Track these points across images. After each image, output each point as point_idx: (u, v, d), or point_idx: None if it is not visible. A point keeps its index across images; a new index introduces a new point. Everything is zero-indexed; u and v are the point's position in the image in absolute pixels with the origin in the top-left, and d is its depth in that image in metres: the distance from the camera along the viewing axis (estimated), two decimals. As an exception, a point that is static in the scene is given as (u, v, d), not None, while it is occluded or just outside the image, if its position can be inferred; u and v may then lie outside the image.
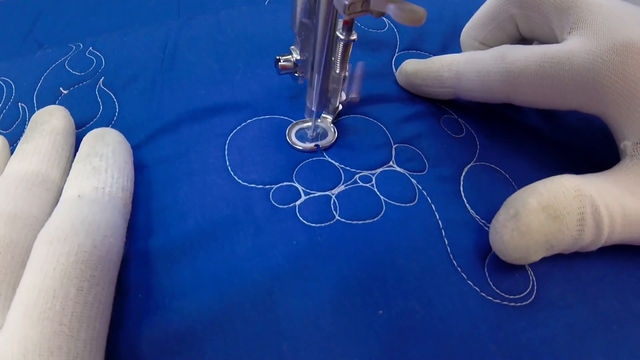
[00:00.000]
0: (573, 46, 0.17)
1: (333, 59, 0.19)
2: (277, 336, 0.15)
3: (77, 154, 0.19)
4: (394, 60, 0.26)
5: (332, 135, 0.21)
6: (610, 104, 0.17)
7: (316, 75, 0.19)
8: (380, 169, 0.20)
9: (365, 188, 0.20)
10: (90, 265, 0.14)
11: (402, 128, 0.22)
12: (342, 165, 0.20)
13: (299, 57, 0.20)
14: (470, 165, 0.21)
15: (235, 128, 0.21)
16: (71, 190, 0.17)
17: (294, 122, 0.22)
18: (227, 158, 0.20)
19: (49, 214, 0.18)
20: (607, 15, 0.17)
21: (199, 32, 0.26)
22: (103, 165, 0.17)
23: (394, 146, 0.21)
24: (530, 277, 0.18)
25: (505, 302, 0.17)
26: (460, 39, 0.24)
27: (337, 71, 0.19)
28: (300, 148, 0.21)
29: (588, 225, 0.16)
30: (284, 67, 0.20)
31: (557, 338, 0.16)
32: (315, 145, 0.21)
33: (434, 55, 0.25)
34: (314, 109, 0.20)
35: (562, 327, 0.17)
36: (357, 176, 0.20)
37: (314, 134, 0.21)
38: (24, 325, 0.13)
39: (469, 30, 0.23)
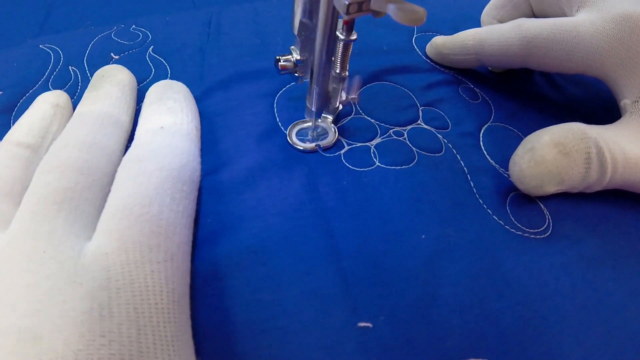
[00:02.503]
0: (580, 18, 0.21)
1: (333, 59, 0.19)
2: (336, 255, 0.18)
3: (147, 99, 0.21)
4: (413, 39, 0.29)
5: (332, 135, 0.22)
6: (610, 67, 0.20)
7: (316, 75, 0.19)
8: (410, 126, 0.23)
9: (398, 141, 0.22)
10: (180, 181, 0.16)
11: (425, 93, 0.25)
12: (378, 122, 0.23)
13: (299, 57, 0.20)
14: (487, 125, 0.24)
15: (282, 89, 0.24)
16: (152, 124, 0.19)
17: (294, 122, 0.22)
18: (276, 114, 0.23)
19: (123, 151, 0.19)
20: None
21: (238, 15, 0.29)
22: (178, 107, 0.19)
23: (420, 108, 0.24)
24: (546, 215, 0.20)
25: (527, 235, 0.19)
26: (481, 19, 0.28)
27: (337, 71, 0.19)
28: (301, 148, 0.21)
29: (593, 164, 0.19)
30: (284, 67, 0.20)
31: (572, 265, 0.19)
32: (316, 145, 0.21)
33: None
34: (313, 109, 0.20)
35: (575, 256, 0.19)
36: (391, 131, 0.23)
37: (314, 134, 0.22)
38: (121, 225, 0.15)
39: (489, 10, 0.27)
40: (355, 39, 0.18)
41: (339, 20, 0.17)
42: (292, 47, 0.20)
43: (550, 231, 0.20)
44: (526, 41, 0.22)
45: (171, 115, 0.19)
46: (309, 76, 0.20)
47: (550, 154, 0.19)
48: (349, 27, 0.17)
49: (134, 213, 0.15)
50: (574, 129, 0.19)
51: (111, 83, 0.21)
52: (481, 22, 0.28)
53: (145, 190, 0.16)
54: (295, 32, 0.19)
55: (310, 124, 0.22)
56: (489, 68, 0.27)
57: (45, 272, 0.13)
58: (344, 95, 0.21)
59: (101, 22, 0.31)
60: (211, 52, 0.26)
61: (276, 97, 0.23)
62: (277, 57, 0.20)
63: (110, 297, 0.13)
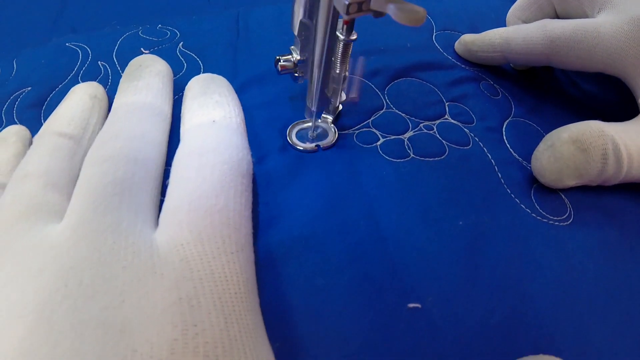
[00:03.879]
0: (600, 19, 0.22)
1: (333, 59, 0.19)
2: (383, 241, 0.19)
3: (189, 92, 0.21)
4: (434, 37, 0.30)
5: (332, 135, 0.22)
6: (629, 67, 0.22)
7: (316, 75, 0.19)
8: (439, 120, 0.24)
9: (429, 134, 0.23)
10: (240, 173, 0.17)
11: (450, 90, 0.26)
12: (408, 116, 0.24)
13: (299, 57, 0.20)
14: (508, 120, 0.25)
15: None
16: (202, 118, 0.19)
17: (295, 122, 0.23)
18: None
19: (167, 142, 0.20)
20: None
21: (264, 15, 0.30)
22: (224, 100, 0.20)
23: (446, 103, 0.25)
24: (567, 204, 0.22)
25: (551, 222, 0.21)
26: (506, 19, 0.29)
27: (337, 71, 0.19)
28: (301, 148, 0.21)
29: (610, 160, 0.20)
30: (284, 67, 0.20)
31: (595, 250, 0.20)
32: (315, 146, 0.21)
33: (465, 34, 0.29)
34: (313, 109, 0.20)
35: (597, 242, 0.20)
36: (421, 125, 0.24)
37: (314, 134, 0.22)
38: (191, 216, 0.15)
39: (514, 11, 0.28)
40: (355, 39, 0.18)
41: (339, 20, 0.17)
42: (292, 47, 0.20)
43: (572, 219, 0.21)
44: (550, 41, 0.23)
45: (220, 109, 0.19)
46: (309, 76, 0.20)
47: (569, 151, 0.20)
48: (349, 27, 0.17)
49: (203, 205, 0.15)
50: (592, 126, 0.21)
51: (151, 73, 0.21)
52: (507, 22, 0.29)
53: (210, 183, 0.16)
54: (295, 32, 0.19)
55: (310, 124, 0.22)
56: (512, 65, 0.29)
57: (120, 263, 0.13)
58: (343, 95, 0.21)
59: (115, 19, 0.31)
60: (242, 49, 0.26)
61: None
62: (277, 57, 0.20)
63: (195, 288, 0.13)
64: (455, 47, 0.29)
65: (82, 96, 0.21)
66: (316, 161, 0.21)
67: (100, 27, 0.32)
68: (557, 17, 0.27)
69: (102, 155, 0.17)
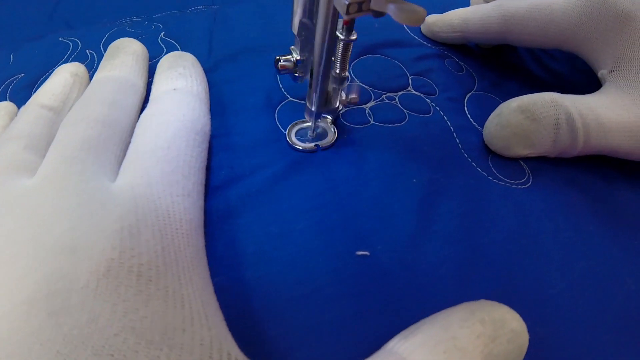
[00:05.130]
0: None
1: (333, 59, 0.19)
2: (337, 194, 0.20)
3: (158, 69, 0.23)
4: (403, 20, 0.31)
5: (332, 135, 0.22)
6: (583, 42, 0.22)
7: (316, 75, 0.19)
8: (401, 92, 0.25)
9: (390, 104, 0.24)
10: (193, 131, 0.18)
11: (415, 65, 0.27)
12: (371, 88, 0.25)
13: (299, 57, 0.20)
14: (471, 92, 0.26)
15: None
16: (165, 86, 0.21)
17: (294, 122, 0.23)
18: (279, 81, 0.25)
19: (139, 111, 0.21)
20: None
21: (243, 7, 0.32)
22: (187, 72, 0.22)
23: (410, 77, 0.26)
24: (525, 170, 0.22)
25: (508, 185, 0.21)
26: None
27: (337, 71, 0.19)
28: (300, 148, 0.21)
29: (562, 129, 0.20)
30: (284, 67, 0.20)
31: (554, 210, 0.20)
32: (315, 146, 0.21)
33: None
34: (313, 109, 0.20)
35: (556, 202, 0.21)
36: (383, 96, 0.25)
37: (314, 134, 0.22)
38: (144, 164, 0.17)
39: None
40: (356, 39, 0.18)
41: (339, 20, 0.17)
42: (292, 47, 0.20)
43: (530, 182, 0.22)
44: (504, 19, 0.24)
45: (182, 80, 0.21)
46: (309, 76, 0.20)
47: (516, 119, 0.21)
48: (349, 27, 0.17)
49: (156, 155, 0.17)
50: (545, 97, 0.21)
51: (126, 53, 0.23)
52: (471, 2, 0.30)
53: (164, 136, 0.18)
54: (295, 32, 0.19)
55: (309, 124, 0.22)
56: (477, 44, 0.30)
57: (77, 200, 0.15)
58: (343, 95, 0.21)
59: (110, 13, 0.34)
60: (218, 32, 0.28)
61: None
62: (277, 57, 0.20)
63: (137, 219, 0.15)
64: (421, 27, 0.30)
65: (64, 74, 0.23)
66: (282, 132, 0.22)
67: (93, 21, 0.34)
68: None
69: (74, 118, 0.19)
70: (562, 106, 0.20)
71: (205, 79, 0.23)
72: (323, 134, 0.22)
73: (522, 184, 0.22)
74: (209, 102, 0.22)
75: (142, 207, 0.15)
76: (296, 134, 0.22)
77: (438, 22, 0.28)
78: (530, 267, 0.19)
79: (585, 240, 0.20)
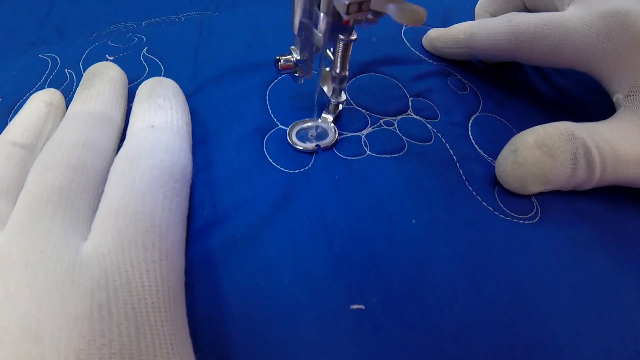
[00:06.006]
0: (568, 13, 0.21)
1: (333, 59, 0.19)
2: (328, 239, 0.18)
3: (137, 97, 0.21)
4: (402, 31, 0.29)
5: (332, 135, 0.22)
6: (598, 63, 0.20)
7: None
8: (400, 116, 0.24)
9: (389, 130, 0.23)
10: (172, 178, 0.17)
11: (415, 84, 0.25)
12: (368, 112, 0.23)
13: (299, 57, 0.20)
14: (475, 115, 0.24)
15: (274, 80, 0.24)
16: (143, 122, 0.19)
17: (294, 122, 0.23)
18: (268, 105, 0.23)
19: (116, 149, 0.20)
20: None
21: (231, 17, 0.30)
22: (167, 104, 0.20)
23: (410, 98, 0.25)
24: (534, 203, 0.21)
25: (515, 220, 0.20)
26: (475, 12, 0.28)
27: (337, 71, 0.19)
28: (301, 148, 0.21)
29: (580, 164, 0.19)
30: (284, 67, 0.20)
31: (562, 248, 0.19)
32: (315, 146, 0.21)
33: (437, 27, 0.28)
34: (295, 32, 0.19)
35: (565, 239, 0.19)
36: (381, 121, 0.23)
37: (315, 134, 0.22)
38: (117, 223, 0.15)
39: (482, 3, 0.27)
40: (356, 39, 0.18)
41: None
42: (292, 47, 0.20)
43: (539, 217, 0.20)
44: (514, 36, 0.22)
45: (161, 113, 0.20)
46: (309, 76, 0.20)
47: (533, 156, 0.19)
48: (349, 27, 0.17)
49: (128, 212, 0.15)
50: (561, 129, 0.19)
51: (102, 81, 0.21)
52: (475, 15, 0.28)
53: (138, 188, 0.16)
54: (295, 32, 0.19)
55: (310, 124, 0.22)
56: (481, 60, 0.28)
57: (43, 270, 0.14)
58: (344, 95, 0.22)
59: (102, 19, 0.32)
60: (203, 49, 0.26)
61: (268, 88, 0.24)
62: (277, 57, 0.20)
63: (108, 297, 0.13)
64: (422, 42, 0.28)
65: (37, 104, 0.21)
66: (268, 163, 0.21)
67: (85, 28, 0.33)
68: (526, 10, 0.26)
69: (44, 164, 0.17)
70: (580, 139, 0.19)
71: (187, 110, 0.21)
72: (323, 134, 0.22)
73: (529, 218, 0.20)
74: (190, 137, 0.20)
75: (113, 279, 0.14)
76: (296, 134, 0.22)
77: (441, 36, 0.26)
78: (536, 314, 0.17)
79: (593, 280, 0.19)
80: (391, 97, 0.24)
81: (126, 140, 0.19)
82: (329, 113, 0.23)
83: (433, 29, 0.27)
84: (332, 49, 0.20)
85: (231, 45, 0.26)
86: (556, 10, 0.23)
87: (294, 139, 0.21)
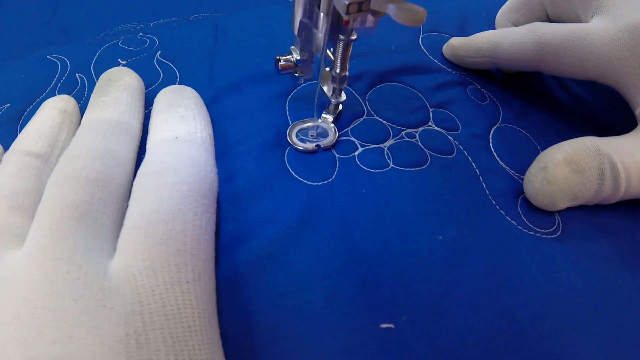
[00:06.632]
0: (594, 26, 0.21)
1: (333, 59, 0.19)
2: (355, 257, 0.18)
3: (156, 106, 0.20)
4: (420, 39, 0.29)
5: (332, 135, 0.22)
6: (623, 76, 0.20)
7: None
8: (422, 128, 0.23)
9: (411, 142, 0.22)
10: (201, 194, 0.16)
11: (435, 95, 0.25)
12: (389, 123, 0.23)
13: (299, 57, 0.20)
14: (496, 126, 0.24)
15: (293, 90, 0.24)
16: (165, 133, 0.18)
17: (294, 122, 0.22)
18: (288, 116, 0.23)
19: (135, 159, 0.19)
20: (623, 2, 0.21)
21: (245, 19, 0.29)
22: (190, 114, 0.19)
23: (430, 109, 0.24)
24: (556, 217, 0.21)
25: (538, 235, 0.20)
26: (496, 20, 0.28)
27: (337, 71, 0.19)
28: (301, 148, 0.21)
29: (607, 180, 0.19)
30: (284, 67, 0.20)
31: (583, 263, 0.19)
32: (316, 146, 0.21)
33: (454, 36, 0.28)
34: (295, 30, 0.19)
35: (586, 254, 0.19)
36: (403, 132, 0.23)
37: (315, 134, 0.22)
38: (146, 243, 0.14)
39: (504, 12, 0.27)
40: (355, 39, 0.18)
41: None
42: (292, 47, 0.20)
43: (560, 231, 0.20)
44: (539, 47, 0.22)
45: (184, 124, 0.19)
46: (309, 76, 0.20)
47: (562, 173, 0.19)
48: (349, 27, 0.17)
49: (158, 231, 0.15)
50: (588, 145, 0.19)
51: (119, 88, 0.21)
52: (496, 23, 0.28)
53: (167, 205, 0.15)
54: (295, 32, 0.19)
55: (310, 124, 0.22)
56: (500, 70, 0.28)
57: (71, 295, 0.13)
58: (344, 95, 0.21)
59: (108, 20, 0.31)
60: (219, 55, 0.25)
61: (288, 99, 0.23)
62: (277, 57, 0.20)
63: (144, 323, 0.13)
64: (443, 50, 0.28)
65: (51, 111, 0.20)
66: (290, 176, 0.20)
67: (91, 28, 0.32)
68: (549, 20, 0.26)
69: (63, 177, 0.16)
70: (606, 154, 0.19)
71: (209, 121, 0.20)
72: (324, 134, 0.22)
73: (551, 233, 0.20)
74: (214, 150, 0.20)
75: (147, 303, 0.13)
76: (296, 134, 0.22)
77: (463, 45, 0.26)
78: (560, 331, 0.17)
79: (613, 295, 0.19)
80: (412, 108, 0.24)
81: (148, 152, 0.18)
82: (329, 113, 0.22)
83: (454, 38, 0.27)
84: (332, 49, 0.20)
85: (247, 52, 0.26)
86: (580, 21, 0.23)
87: (293, 139, 0.21)
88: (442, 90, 0.25)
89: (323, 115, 0.23)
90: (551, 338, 0.17)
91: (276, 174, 0.20)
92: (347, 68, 0.19)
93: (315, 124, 0.22)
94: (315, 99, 0.21)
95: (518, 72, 0.28)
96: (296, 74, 0.20)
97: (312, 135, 0.22)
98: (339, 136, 0.22)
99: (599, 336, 0.17)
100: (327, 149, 0.21)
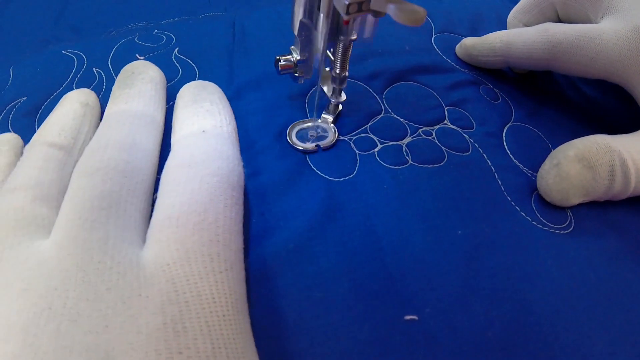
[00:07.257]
0: (604, 26, 0.21)
1: (333, 59, 0.19)
2: (379, 251, 0.18)
3: (180, 101, 0.20)
4: (433, 39, 0.29)
5: (332, 135, 0.22)
6: (632, 75, 0.21)
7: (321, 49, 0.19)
8: (438, 126, 0.24)
9: (428, 140, 0.23)
10: (230, 186, 0.16)
11: (449, 94, 0.26)
12: (407, 121, 0.24)
13: (299, 57, 0.20)
14: (508, 125, 0.25)
15: (311, 89, 0.24)
16: (192, 127, 0.18)
17: (294, 122, 0.22)
18: (307, 113, 0.23)
19: (159, 151, 0.19)
20: (633, 3, 0.21)
21: (261, 17, 0.29)
22: (215, 109, 0.19)
23: (445, 108, 0.25)
24: (568, 213, 0.21)
25: (552, 230, 0.20)
26: (507, 21, 0.29)
27: (337, 71, 0.19)
28: (301, 148, 0.21)
29: (617, 176, 0.20)
30: (284, 67, 0.20)
31: (596, 258, 0.20)
32: (316, 146, 0.21)
33: (465, 37, 0.29)
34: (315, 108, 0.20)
35: (598, 251, 0.20)
36: (420, 130, 0.23)
37: (315, 134, 0.22)
38: (179, 234, 0.14)
39: (515, 13, 0.28)
40: (356, 39, 0.18)
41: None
42: (292, 47, 0.20)
43: (572, 227, 0.21)
44: (551, 46, 0.22)
45: (210, 118, 0.19)
46: (309, 76, 0.20)
47: (574, 169, 0.20)
48: (349, 27, 0.17)
49: (190, 221, 0.15)
50: (599, 142, 0.20)
51: (143, 80, 0.21)
52: (507, 24, 0.29)
53: (199, 197, 0.15)
54: (295, 32, 0.19)
55: (310, 124, 0.22)
56: (512, 69, 0.28)
57: (105, 284, 0.13)
58: (344, 95, 0.21)
59: (117, 18, 0.31)
60: (238, 52, 0.26)
61: (307, 97, 0.24)
62: (277, 57, 0.20)
63: (181, 311, 0.13)
64: (456, 50, 0.28)
65: (73, 104, 0.21)
66: (312, 171, 0.21)
67: (100, 27, 0.32)
68: (559, 20, 0.26)
69: (91, 167, 0.16)
70: (616, 151, 0.20)
71: (233, 116, 0.21)
72: (324, 135, 0.22)
73: (564, 228, 0.21)
74: (239, 144, 0.20)
75: (182, 292, 0.13)
76: (296, 134, 0.22)
77: (477, 45, 0.26)
78: (575, 323, 0.18)
79: (624, 290, 0.19)
80: (428, 107, 0.24)
81: (175, 145, 0.18)
82: (328, 113, 0.23)
83: (468, 38, 0.28)
84: (332, 49, 0.20)
85: (265, 49, 0.26)
86: (590, 22, 0.24)
87: (293, 139, 0.21)
88: (457, 90, 0.26)
89: (323, 115, 0.23)
90: (567, 329, 0.18)
91: (299, 170, 0.21)
92: (347, 68, 0.19)
93: (315, 124, 0.22)
94: (315, 99, 0.21)
95: (529, 71, 0.28)
96: (296, 74, 0.20)
97: (311, 136, 0.22)
98: (354, 134, 0.22)
99: (612, 328, 0.18)
100: (327, 149, 0.21)
